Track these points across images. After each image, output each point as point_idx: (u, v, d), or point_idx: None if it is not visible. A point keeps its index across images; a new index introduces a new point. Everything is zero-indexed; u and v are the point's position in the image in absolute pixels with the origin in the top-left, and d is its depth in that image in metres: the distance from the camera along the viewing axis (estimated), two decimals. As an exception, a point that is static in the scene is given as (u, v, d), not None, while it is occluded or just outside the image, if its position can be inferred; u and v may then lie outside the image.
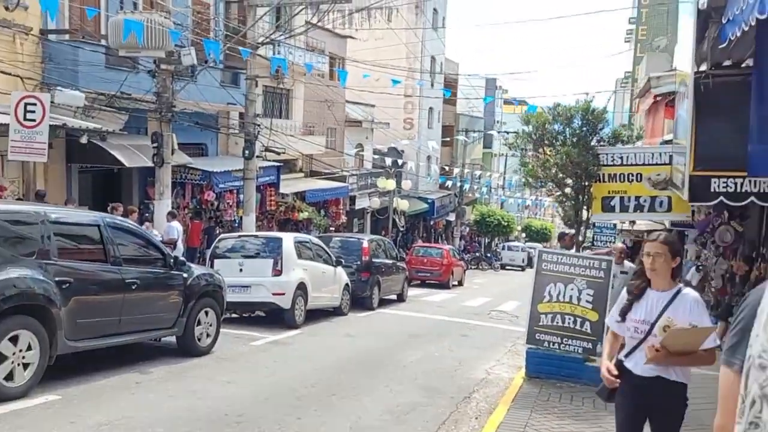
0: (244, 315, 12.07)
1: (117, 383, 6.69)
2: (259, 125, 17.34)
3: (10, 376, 5.70)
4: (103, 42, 13.93)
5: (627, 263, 9.62)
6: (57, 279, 6.11)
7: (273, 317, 11.62)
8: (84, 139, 12.60)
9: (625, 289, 3.74)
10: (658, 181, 8.47)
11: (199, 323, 8.22)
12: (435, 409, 6.77)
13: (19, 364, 5.75)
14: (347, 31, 32.47)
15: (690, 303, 3.49)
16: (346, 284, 13.79)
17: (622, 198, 8.90)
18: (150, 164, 14.10)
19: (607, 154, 9.09)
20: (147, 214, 15.30)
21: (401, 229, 33.14)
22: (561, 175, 9.67)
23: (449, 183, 36.93)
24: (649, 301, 3.56)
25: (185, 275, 8.00)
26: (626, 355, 3.64)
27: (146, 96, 14.15)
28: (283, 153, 20.51)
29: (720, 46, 5.65)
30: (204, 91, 16.40)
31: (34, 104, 10.12)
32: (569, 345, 8.03)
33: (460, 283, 24.86)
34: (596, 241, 20.91)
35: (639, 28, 42.67)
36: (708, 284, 12.60)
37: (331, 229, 24.29)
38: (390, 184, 28.69)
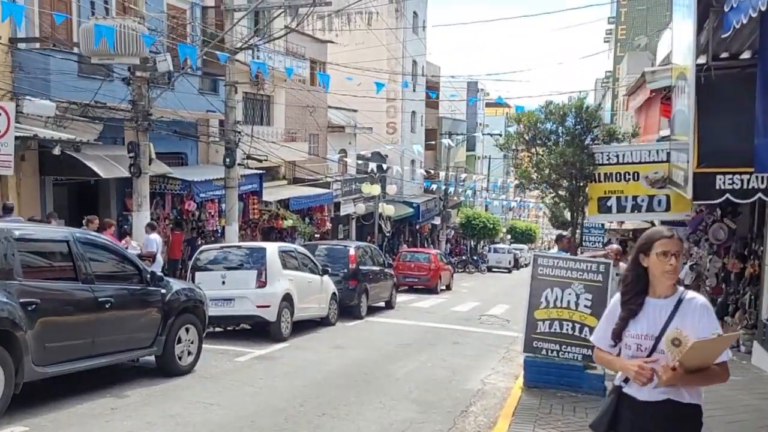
0: (228, 329, 11.64)
1: (90, 410, 6.24)
2: (239, 132, 16.92)
3: (-29, 408, 5.25)
4: (75, 50, 13.46)
5: (623, 265, 9.33)
6: (22, 300, 5.66)
7: (258, 330, 11.20)
8: (57, 150, 12.12)
9: (617, 303, 3.08)
10: (655, 179, 8.20)
11: (179, 341, 7.79)
12: (432, 426, 6.40)
13: (-19, 395, 5.31)
14: (328, 36, 32.21)
15: (698, 309, 2.93)
16: (334, 293, 13.42)
17: (618, 198, 8.60)
18: (127, 175, 13.62)
19: (602, 152, 8.79)
20: (126, 227, 14.82)
21: (387, 234, 32.82)
22: (555, 176, 9.34)
23: (434, 186, 36.69)
24: (650, 311, 2.98)
25: (163, 291, 7.57)
26: (626, 380, 3.01)
27: (121, 104, 13.69)
28: (266, 160, 20.17)
29: (723, 35, 5.36)
30: (182, 99, 15.97)
31: (-1, 114, 9.63)
32: (568, 352, 7.71)
33: (449, 288, 24.61)
34: (585, 242, 20.68)
35: (618, 27, 42.79)
36: (703, 283, 12.39)
37: (316, 236, 23.90)
38: (375, 190, 28.37)
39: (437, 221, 40.24)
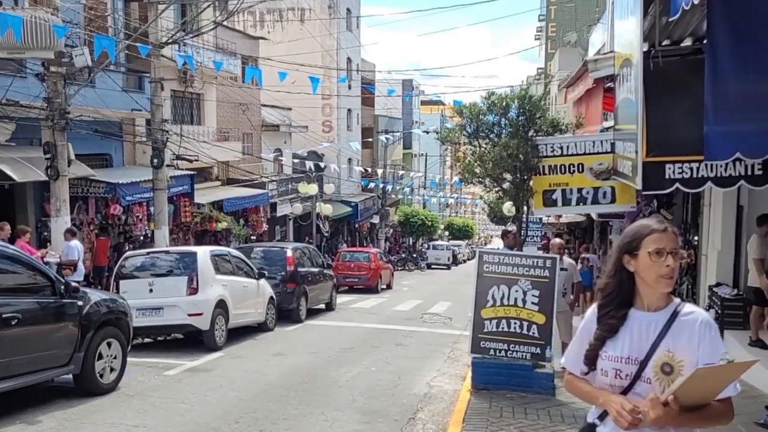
0: (159, 339, 10.94)
1: (-4, 441, 5.57)
2: (167, 132, 16.10)
3: None
4: (-18, 44, 12.41)
5: (566, 259, 9.19)
6: None
7: (191, 340, 10.55)
8: (-38, 153, 11.11)
9: (592, 317, 2.41)
10: (600, 170, 8.06)
11: (100, 357, 7.12)
12: (378, 438, 6.01)
13: None
14: (259, 33, 31.40)
15: (698, 328, 2.25)
16: (271, 297, 12.87)
17: (564, 190, 8.42)
18: (44, 178, 12.68)
19: (546, 144, 8.60)
20: (46, 234, 13.82)
21: (326, 234, 32.32)
22: (498, 170, 9.10)
23: (372, 185, 36.39)
24: (635, 327, 2.30)
25: (80, 303, 6.88)
26: (602, 416, 2.35)
27: (36, 102, 12.72)
28: (197, 161, 19.42)
29: (670, 19, 5.17)
30: (104, 97, 15.10)
31: None
32: (517, 351, 7.47)
33: (389, 287, 24.37)
34: (526, 237, 20.77)
35: (549, 25, 43.57)
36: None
37: (252, 238, 23.19)
38: (312, 189, 27.83)
39: (376, 220, 39.99)
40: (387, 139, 37.15)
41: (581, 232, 25.37)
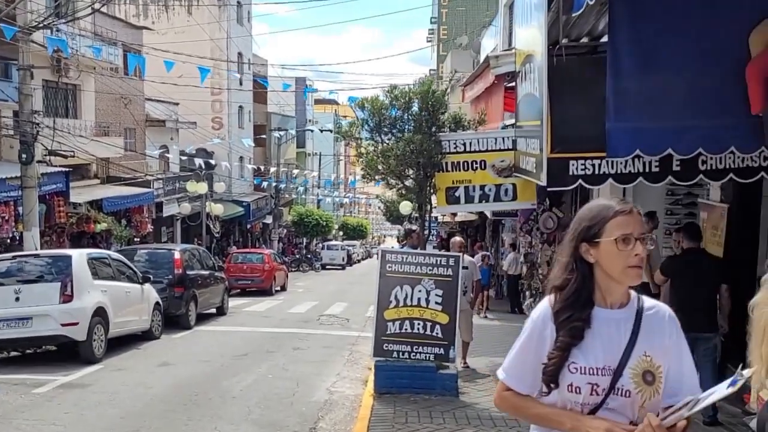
0: (28, 352, 9.88)
1: None
2: (38, 124, 14.76)
3: None
4: None
5: (467, 257, 9.13)
6: None
7: (65, 353, 9.58)
8: None
9: (541, 322, 1.96)
10: (502, 167, 8.03)
11: (-47, 378, 6.22)
12: (277, 453, 5.58)
13: None
14: (143, 23, 29.72)
15: (666, 323, 1.95)
16: (157, 303, 12.02)
17: (467, 187, 8.33)
18: None
19: (449, 140, 8.47)
20: None
21: (216, 235, 31.13)
22: (401, 167, 8.88)
23: (265, 184, 35.49)
24: (603, 329, 1.91)
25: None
26: None
27: None
28: (72, 157, 17.98)
29: (573, 14, 5.11)
30: (-38, 84, 13.61)
31: None
32: (420, 353, 7.28)
33: (284, 288, 23.80)
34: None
35: (441, 27, 44.34)
36: (536, 271, 12.75)
37: (135, 240, 21.81)
38: (201, 188, 26.61)
39: (269, 220, 39.09)
40: (280, 137, 36.37)
41: (473, 231, 25.91)
